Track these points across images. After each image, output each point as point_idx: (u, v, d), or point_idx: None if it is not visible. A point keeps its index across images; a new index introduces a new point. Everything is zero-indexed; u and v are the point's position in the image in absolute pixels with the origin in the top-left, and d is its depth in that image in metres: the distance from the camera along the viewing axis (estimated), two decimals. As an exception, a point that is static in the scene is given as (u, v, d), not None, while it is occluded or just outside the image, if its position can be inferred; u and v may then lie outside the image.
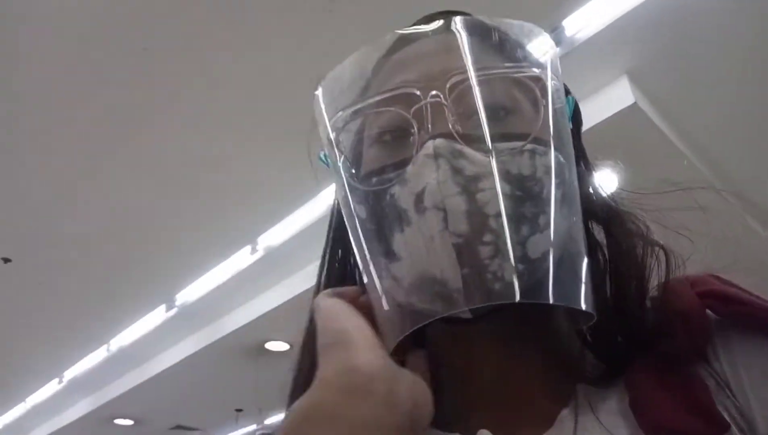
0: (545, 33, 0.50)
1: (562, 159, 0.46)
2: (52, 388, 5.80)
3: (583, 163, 0.54)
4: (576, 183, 0.48)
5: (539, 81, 0.48)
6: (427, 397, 0.43)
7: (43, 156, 2.93)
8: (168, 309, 4.42)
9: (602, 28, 2.23)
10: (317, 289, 0.55)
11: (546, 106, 0.47)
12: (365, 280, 0.47)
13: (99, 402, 5.83)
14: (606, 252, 0.51)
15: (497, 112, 0.46)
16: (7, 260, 3.74)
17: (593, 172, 0.55)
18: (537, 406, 0.48)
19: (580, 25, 2.25)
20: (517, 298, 0.40)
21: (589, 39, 2.27)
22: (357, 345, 0.41)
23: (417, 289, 0.43)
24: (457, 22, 0.49)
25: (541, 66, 0.49)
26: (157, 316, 4.53)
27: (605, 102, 2.41)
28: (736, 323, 0.45)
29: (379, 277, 0.45)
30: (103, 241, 3.63)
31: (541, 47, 0.49)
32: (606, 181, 0.55)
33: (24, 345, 5.00)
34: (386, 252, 0.45)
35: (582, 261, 0.45)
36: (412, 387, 0.42)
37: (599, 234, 0.52)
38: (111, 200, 3.26)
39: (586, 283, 0.43)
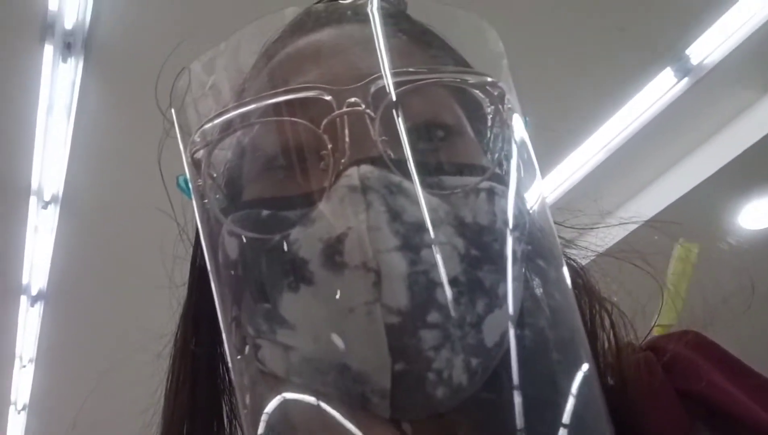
0: (494, 31, 0.37)
1: (521, 202, 0.34)
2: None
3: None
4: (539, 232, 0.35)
5: (497, 91, 0.35)
6: None
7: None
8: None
9: (733, 48, 1.95)
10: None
11: (506, 128, 0.34)
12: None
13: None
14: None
15: (435, 132, 0.34)
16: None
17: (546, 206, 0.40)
18: None
19: (706, 50, 1.98)
20: None
21: (720, 62, 1.99)
22: None
23: (311, 376, 0.30)
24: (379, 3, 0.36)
25: (496, 71, 0.36)
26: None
27: (754, 123, 2.14)
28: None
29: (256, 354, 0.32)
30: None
31: (491, 48, 0.36)
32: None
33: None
34: (267, 316, 0.31)
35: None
36: None
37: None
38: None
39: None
